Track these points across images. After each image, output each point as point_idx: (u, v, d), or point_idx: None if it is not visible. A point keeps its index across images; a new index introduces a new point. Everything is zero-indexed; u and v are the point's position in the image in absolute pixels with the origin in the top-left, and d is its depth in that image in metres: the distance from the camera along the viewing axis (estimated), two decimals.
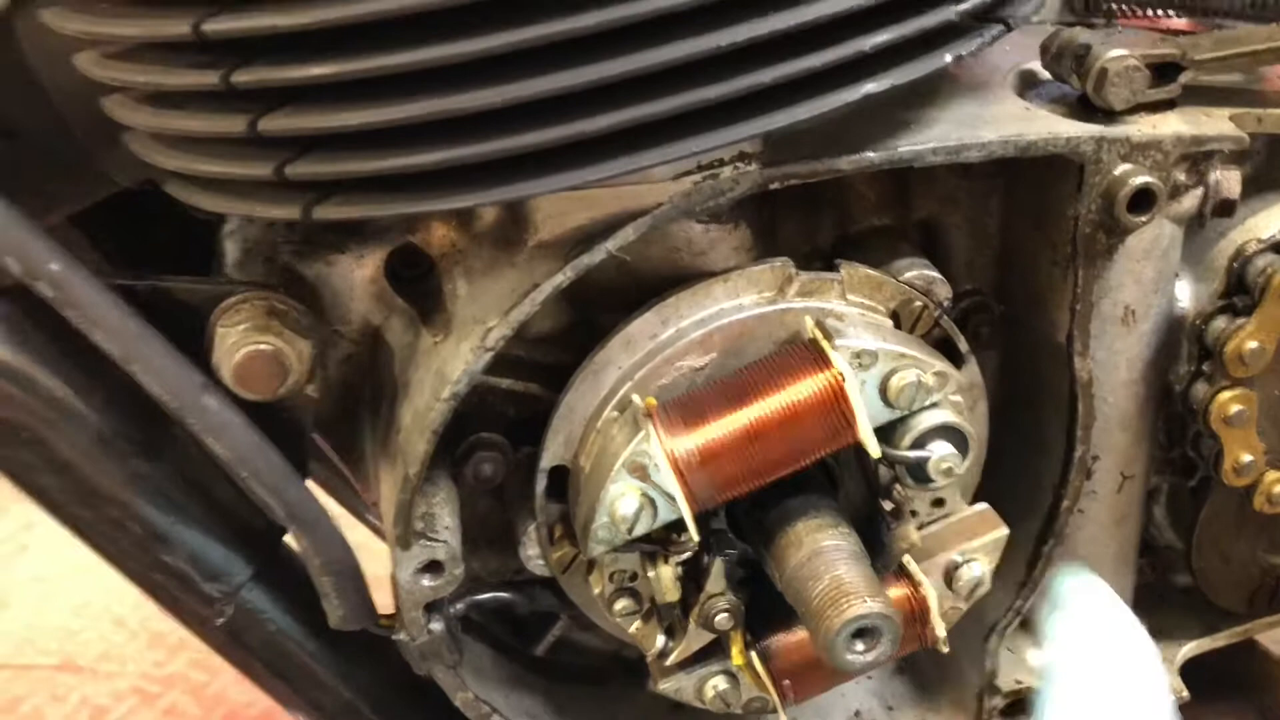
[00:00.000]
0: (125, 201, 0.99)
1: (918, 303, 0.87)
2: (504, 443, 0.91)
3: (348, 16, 0.63)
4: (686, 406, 0.81)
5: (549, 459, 0.86)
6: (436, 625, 0.88)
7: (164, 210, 1.04)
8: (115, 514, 0.86)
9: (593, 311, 0.89)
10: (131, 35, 0.67)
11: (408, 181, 0.70)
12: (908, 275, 0.87)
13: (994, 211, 0.94)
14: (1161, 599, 1.17)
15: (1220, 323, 0.94)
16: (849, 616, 0.76)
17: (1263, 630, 1.17)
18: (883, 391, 0.80)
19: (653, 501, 0.80)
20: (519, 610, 0.97)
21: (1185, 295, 0.95)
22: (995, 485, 0.94)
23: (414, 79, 0.66)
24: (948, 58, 0.74)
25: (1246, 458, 0.97)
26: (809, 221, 0.91)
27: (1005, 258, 0.95)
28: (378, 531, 1.21)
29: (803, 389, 0.79)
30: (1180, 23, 1.04)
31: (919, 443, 0.82)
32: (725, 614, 0.84)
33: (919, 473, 0.82)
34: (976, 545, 0.89)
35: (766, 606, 0.89)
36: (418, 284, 0.92)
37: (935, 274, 0.87)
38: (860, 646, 0.78)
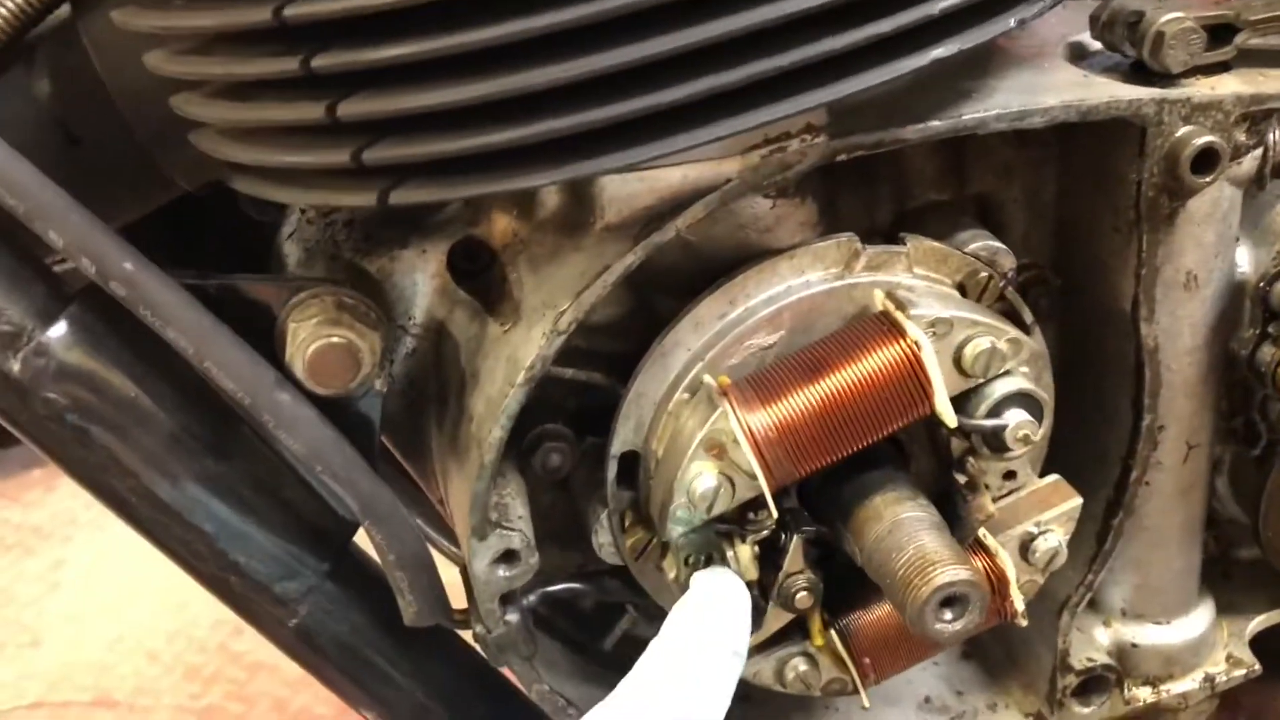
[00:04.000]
0: (176, 212, 1.00)
1: (983, 274, 0.87)
2: (569, 433, 0.91)
3: None
4: (760, 383, 0.80)
5: (619, 445, 0.86)
6: (512, 617, 0.88)
7: (213, 221, 1.05)
8: (187, 515, 0.86)
9: (654, 298, 0.89)
10: (210, 26, 0.68)
11: (481, 163, 0.70)
12: (972, 247, 0.87)
13: (1050, 182, 0.94)
14: (1226, 574, 1.16)
15: None
16: (937, 584, 0.76)
17: None
18: (956, 360, 0.80)
19: (730, 479, 0.79)
20: (589, 601, 0.96)
21: (1245, 260, 0.95)
22: (1058, 461, 0.94)
23: (488, 57, 0.66)
24: (1013, 21, 0.75)
25: None
26: (867, 199, 0.91)
27: (1063, 229, 0.95)
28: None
29: (878, 360, 0.79)
30: None
31: (994, 411, 0.81)
32: (805, 592, 0.84)
33: (995, 441, 0.82)
34: (1051, 516, 0.88)
35: (841, 587, 0.89)
36: (478, 278, 0.92)
37: (999, 245, 0.88)
38: (949, 615, 0.77)
